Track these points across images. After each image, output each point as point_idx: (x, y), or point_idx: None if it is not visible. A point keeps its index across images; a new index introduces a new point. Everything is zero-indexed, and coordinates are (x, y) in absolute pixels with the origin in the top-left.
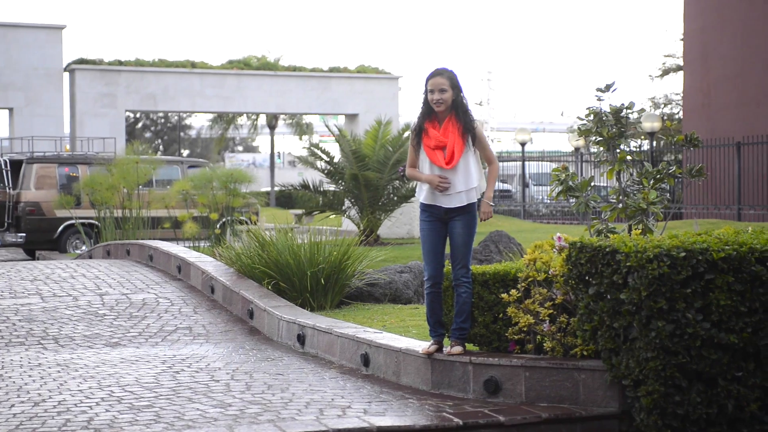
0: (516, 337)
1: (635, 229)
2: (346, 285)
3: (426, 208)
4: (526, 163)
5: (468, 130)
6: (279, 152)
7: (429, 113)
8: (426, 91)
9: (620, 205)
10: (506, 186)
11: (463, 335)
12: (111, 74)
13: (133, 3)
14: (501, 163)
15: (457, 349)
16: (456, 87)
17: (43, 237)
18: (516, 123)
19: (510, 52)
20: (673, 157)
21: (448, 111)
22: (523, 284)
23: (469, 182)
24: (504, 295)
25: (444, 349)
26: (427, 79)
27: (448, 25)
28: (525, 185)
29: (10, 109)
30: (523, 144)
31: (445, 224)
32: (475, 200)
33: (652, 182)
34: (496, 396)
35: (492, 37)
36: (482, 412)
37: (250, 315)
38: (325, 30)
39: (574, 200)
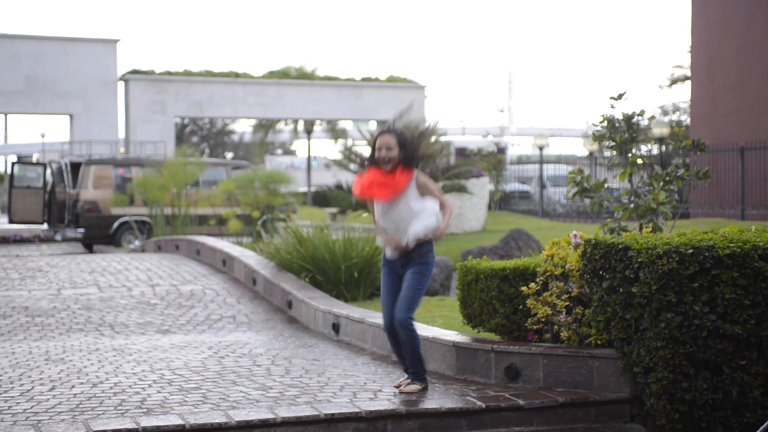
0: (535, 327)
1: (646, 227)
2: (377, 278)
3: (384, 262)
4: (544, 165)
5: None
6: (315, 155)
7: (375, 164)
8: (374, 148)
9: (632, 205)
10: (525, 187)
11: (416, 377)
12: (162, 83)
13: (181, 19)
14: (521, 166)
15: (411, 387)
16: (403, 145)
17: (100, 232)
18: (534, 129)
19: (529, 61)
20: (681, 161)
21: (394, 167)
22: (541, 278)
23: (410, 227)
24: (523, 288)
25: (401, 386)
26: (376, 138)
27: (471, 35)
28: (543, 186)
29: (71, 116)
30: (540, 148)
31: (400, 276)
32: (420, 249)
33: (661, 184)
34: (516, 381)
35: (512, 48)
36: (503, 396)
37: (288, 305)
38: (358, 42)
39: (588, 200)
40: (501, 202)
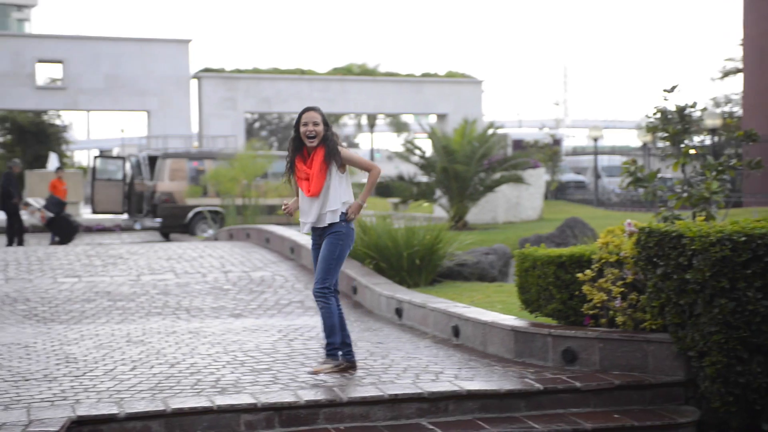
0: (591, 312)
1: (699, 216)
2: (438, 265)
3: (312, 235)
4: (599, 156)
5: (330, 157)
6: (378, 148)
7: (299, 148)
8: (298, 125)
9: (685, 195)
10: (580, 177)
11: (329, 351)
12: (232, 81)
13: (250, 18)
14: (576, 157)
15: (323, 367)
16: (326, 123)
17: (175, 222)
18: (589, 121)
19: (584, 54)
20: (733, 151)
21: (318, 143)
22: (596, 265)
23: (328, 206)
24: (579, 275)
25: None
26: (301, 114)
27: (527, 31)
28: (597, 176)
29: (148, 112)
30: (595, 139)
31: (321, 248)
32: (338, 220)
33: (714, 174)
34: (572, 364)
35: (567, 41)
36: (560, 378)
37: (353, 291)
38: (418, 39)
39: (642, 190)
40: (557, 191)
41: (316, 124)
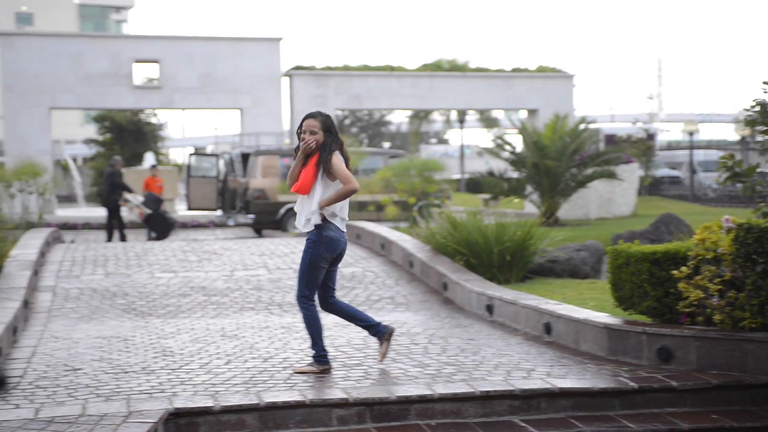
0: (687, 310)
1: None
2: (529, 261)
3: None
4: (694, 151)
5: (321, 160)
6: (467, 144)
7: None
8: (300, 130)
9: None
10: (675, 172)
11: (314, 356)
12: (322, 78)
13: (340, 16)
14: (670, 152)
15: (304, 368)
16: (328, 130)
17: (268, 218)
18: (684, 114)
19: (678, 46)
20: None
21: (316, 149)
22: (692, 262)
23: (312, 209)
24: (675, 272)
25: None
26: (302, 120)
27: (620, 23)
28: (693, 172)
29: (240, 110)
30: (690, 134)
31: None
32: (319, 222)
33: None
34: (668, 363)
35: (661, 34)
36: (656, 377)
37: (444, 287)
38: (508, 33)
39: (740, 185)
40: (650, 187)
41: (313, 132)
